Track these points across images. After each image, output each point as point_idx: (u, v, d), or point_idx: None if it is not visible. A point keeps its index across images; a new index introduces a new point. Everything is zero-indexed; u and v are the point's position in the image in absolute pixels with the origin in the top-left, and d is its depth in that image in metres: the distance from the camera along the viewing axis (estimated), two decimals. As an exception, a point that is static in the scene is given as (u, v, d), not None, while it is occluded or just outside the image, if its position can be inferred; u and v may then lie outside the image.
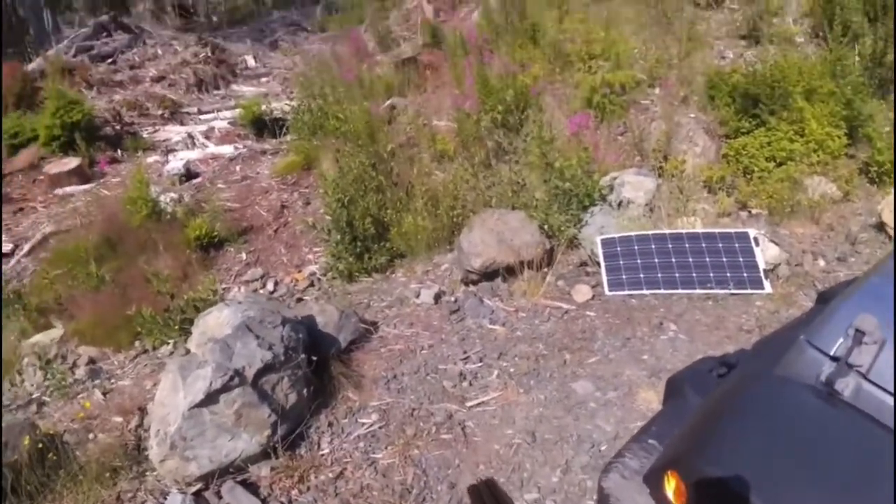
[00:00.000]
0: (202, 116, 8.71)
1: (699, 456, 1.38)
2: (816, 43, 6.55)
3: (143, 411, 3.62)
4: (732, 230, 4.66)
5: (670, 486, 1.42)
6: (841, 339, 1.39)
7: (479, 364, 3.68)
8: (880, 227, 4.83)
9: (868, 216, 5.06)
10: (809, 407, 1.36)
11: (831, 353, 1.39)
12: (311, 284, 5.16)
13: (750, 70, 5.86)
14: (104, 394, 3.93)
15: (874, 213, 4.99)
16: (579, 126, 5.42)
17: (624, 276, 4.44)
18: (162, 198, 6.06)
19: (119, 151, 7.68)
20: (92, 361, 4.47)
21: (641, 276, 4.44)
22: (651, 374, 3.49)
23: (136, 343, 4.54)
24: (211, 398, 3.08)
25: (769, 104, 5.44)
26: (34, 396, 4.02)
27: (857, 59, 5.90)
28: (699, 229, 4.75)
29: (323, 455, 3.17)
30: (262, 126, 7.72)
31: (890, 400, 1.29)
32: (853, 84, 5.49)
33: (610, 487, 1.68)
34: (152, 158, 7.37)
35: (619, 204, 5.09)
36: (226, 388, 3.10)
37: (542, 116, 5.61)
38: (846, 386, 1.34)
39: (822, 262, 4.60)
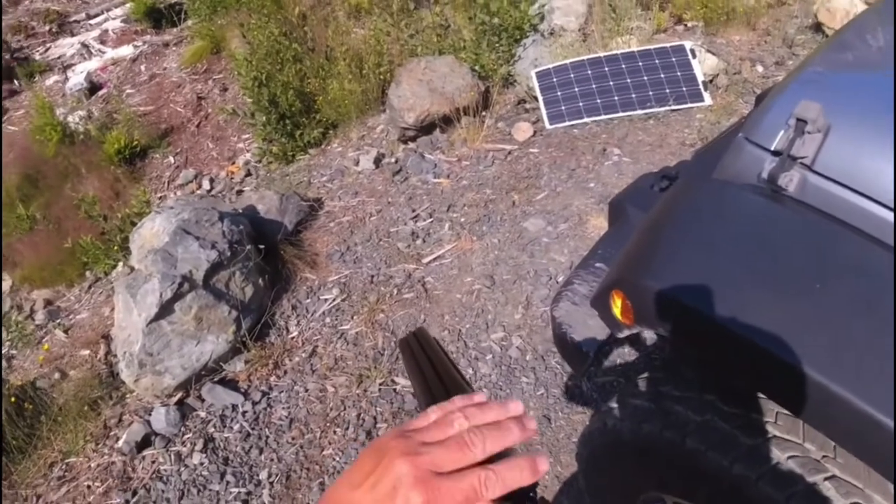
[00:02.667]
0: (92, 21, 7.88)
1: (642, 271, 1.36)
2: None
3: (107, 339, 3.55)
4: (668, 45, 4.50)
5: (616, 305, 1.41)
6: (781, 132, 1.30)
7: (430, 220, 3.64)
8: (817, 27, 4.74)
9: (804, 18, 4.95)
10: (752, 206, 1.30)
11: (772, 148, 1.31)
12: (249, 174, 4.95)
13: None
14: (66, 331, 3.83)
15: (810, 14, 4.88)
16: (498, -49, 4.99)
17: (563, 108, 4.32)
18: (70, 119, 5.62)
19: (15, 81, 6.97)
20: (48, 303, 4.33)
21: (581, 104, 4.33)
22: (599, 200, 3.50)
23: (87, 274, 4.39)
24: (165, 309, 3.01)
25: None
26: None
27: None
28: (635, 48, 4.58)
29: (293, 338, 3.18)
30: (159, 16, 7.03)
31: (840, 190, 1.22)
32: None
33: (561, 315, 1.69)
34: (51, 80, 6.74)
35: (551, 33, 4.85)
36: (178, 296, 3.02)
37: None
38: (790, 180, 1.26)
39: (760, 68, 4.54)
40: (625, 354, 2.49)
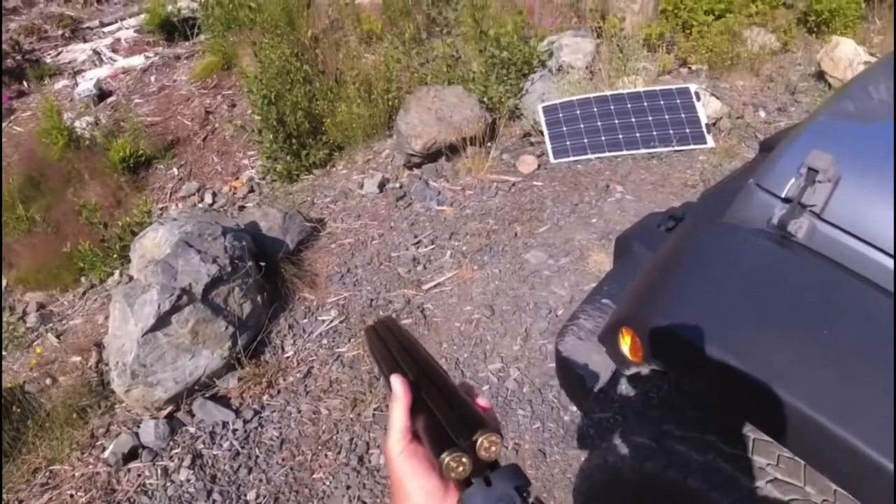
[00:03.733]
0: (105, 29, 7.95)
1: (652, 309, 1.37)
2: None
3: (99, 347, 3.52)
4: (673, 87, 4.59)
5: (625, 342, 1.42)
6: (792, 180, 1.33)
7: (432, 247, 3.66)
8: (819, 75, 4.85)
9: (807, 66, 5.07)
10: (761, 251, 1.32)
11: (782, 195, 1.34)
12: (252, 190, 4.95)
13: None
14: (58, 336, 3.79)
15: (813, 63, 5.00)
16: (510, -12, 5.11)
17: (568, 143, 4.38)
18: (77, 124, 5.63)
19: (25, 83, 7.00)
20: (41, 307, 4.28)
21: (585, 140, 4.38)
22: (601, 236, 3.52)
23: (82, 279, 4.36)
24: (162, 321, 2.99)
25: (707, -47, 5.22)
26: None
27: None
28: (640, 88, 4.66)
29: (288, 357, 3.16)
30: (172, 29, 7.09)
31: (847, 238, 1.25)
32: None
33: (566, 349, 1.69)
34: (60, 84, 6.77)
35: (559, 69, 4.93)
36: (175, 309, 3.00)
37: (471, -18, 5.27)
38: (800, 227, 1.29)
39: (762, 114, 4.62)
40: (627, 392, 2.48)
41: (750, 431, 1.32)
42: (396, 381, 0.61)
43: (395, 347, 0.72)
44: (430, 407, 0.59)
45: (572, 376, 1.66)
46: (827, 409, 1.06)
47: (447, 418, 0.57)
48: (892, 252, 1.21)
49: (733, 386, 1.21)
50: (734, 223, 1.48)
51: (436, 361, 0.68)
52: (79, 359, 3.46)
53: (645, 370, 1.56)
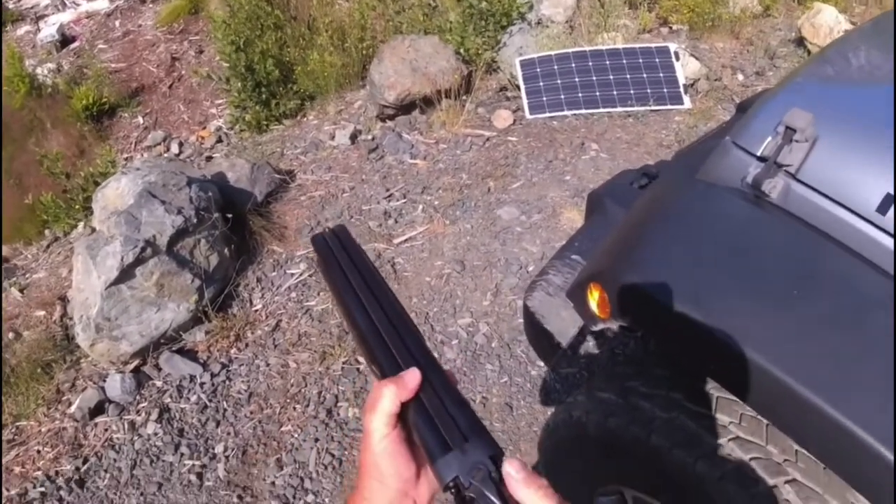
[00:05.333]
0: (69, -29, 7.52)
1: (621, 266, 1.35)
2: None
3: (63, 300, 3.43)
4: (653, 45, 4.52)
5: (594, 298, 1.41)
6: (769, 138, 1.30)
7: (403, 200, 3.60)
8: (799, 41, 4.82)
9: (788, 31, 5.03)
10: (735, 209, 1.31)
11: (758, 154, 1.32)
12: (220, 140, 4.82)
13: None
14: (21, 290, 3.68)
15: (794, 28, 4.97)
16: (490, -66, 4.93)
17: (544, 99, 4.31)
18: (39, 70, 5.40)
19: (-15, 29, 6.64)
20: (5, 260, 4.15)
21: (562, 97, 4.32)
22: (574, 194, 3.51)
23: (46, 232, 4.22)
24: (126, 273, 2.91)
25: None
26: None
27: None
28: (620, 45, 4.59)
29: (256, 311, 3.12)
30: (137, -30, 6.74)
31: (821, 200, 1.23)
32: None
33: (534, 305, 1.69)
34: (22, 30, 6.43)
35: (538, 22, 4.83)
36: (139, 261, 2.92)
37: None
38: (774, 187, 1.27)
39: (740, 77, 4.60)
40: (594, 348, 2.50)
41: (714, 390, 1.33)
42: (412, 374, 0.57)
43: (354, 278, 0.67)
44: (422, 398, 0.57)
45: (540, 332, 1.65)
46: (793, 370, 1.06)
47: (442, 420, 0.55)
48: (871, 218, 1.20)
49: (700, 344, 1.21)
50: (708, 181, 1.46)
51: (396, 298, 0.65)
52: (43, 313, 3.37)
53: (612, 327, 1.56)
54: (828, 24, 4.66)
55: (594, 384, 1.58)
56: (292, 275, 3.24)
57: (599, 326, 1.46)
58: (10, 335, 3.21)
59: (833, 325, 1.12)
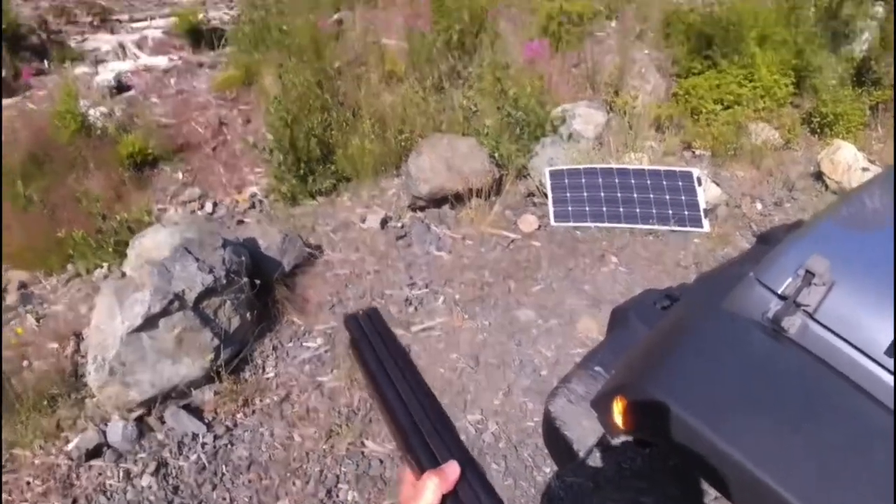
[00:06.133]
0: (134, 24, 8.05)
1: (648, 382, 1.42)
2: (775, -11, 6.55)
3: (78, 337, 3.47)
4: (677, 169, 4.74)
5: (618, 409, 1.46)
6: (790, 279, 1.42)
7: (426, 290, 3.69)
8: (818, 176, 5.02)
9: (807, 164, 5.25)
10: (755, 342, 1.40)
11: (779, 292, 1.43)
12: (253, 206, 4.98)
13: (707, 10, 5.85)
14: (37, 319, 3.74)
15: (813, 162, 5.18)
16: (535, 54, 5.31)
17: (570, 208, 4.48)
18: (91, 112, 5.64)
19: (45, 62, 7.05)
20: (23, 286, 4.22)
21: (587, 208, 4.49)
22: (591, 303, 3.59)
23: (69, 266, 4.31)
24: (150, 322, 2.97)
25: (722, 47, 5.47)
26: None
27: (812, 10, 5.96)
28: (645, 166, 4.82)
29: (268, 378, 3.15)
30: (199, 37, 7.21)
31: (835, 340, 1.33)
32: (806, 34, 5.57)
33: (556, 411, 1.73)
34: (81, 70, 6.80)
35: (570, 136, 5.08)
36: (165, 312, 3.00)
37: (498, 42, 5.46)
38: (792, 324, 1.37)
39: (759, 206, 4.77)
40: (600, 460, 2.50)
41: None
42: (453, 467, 0.61)
43: (388, 363, 0.71)
44: (458, 493, 0.60)
45: (559, 437, 1.69)
46: (807, 498, 1.12)
47: None
48: (875, 358, 1.30)
49: (719, 466, 1.26)
50: (732, 311, 1.55)
51: (428, 387, 0.68)
52: (56, 345, 3.41)
53: (617, 441, 1.60)
54: (846, 160, 4.82)
55: (605, 495, 1.61)
56: (308, 348, 3.29)
57: (620, 438, 1.50)
58: (24, 362, 3.24)
59: (839, 453, 1.19)
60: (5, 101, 6.26)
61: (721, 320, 1.53)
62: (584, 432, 1.65)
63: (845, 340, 1.36)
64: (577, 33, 5.92)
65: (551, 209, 4.46)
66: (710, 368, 1.41)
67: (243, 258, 3.39)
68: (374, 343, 0.71)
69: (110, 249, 4.08)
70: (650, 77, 5.70)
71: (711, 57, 5.52)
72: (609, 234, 4.32)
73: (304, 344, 3.32)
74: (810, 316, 1.41)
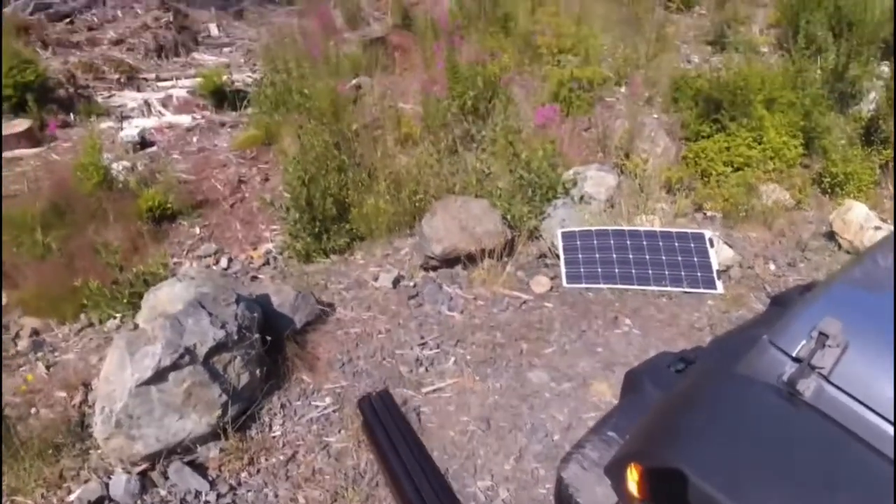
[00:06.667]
0: (160, 83, 8.36)
1: (663, 449, 1.39)
2: (781, 54, 6.73)
3: (87, 387, 3.48)
4: (689, 230, 4.76)
5: (632, 477, 1.43)
6: (804, 342, 1.41)
7: (437, 350, 3.67)
8: (830, 235, 5.01)
9: (819, 225, 5.24)
10: (771, 406, 1.38)
11: (794, 355, 1.42)
12: (267, 263, 5.04)
13: (714, 75, 5.97)
14: (47, 367, 3.76)
15: (825, 222, 5.17)
16: (546, 119, 5.43)
17: (582, 270, 4.48)
18: (114, 166, 5.81)
19: (72, 115, 7.31)
20: (35, 333, 4.26)
21: (599, 270, 4.49)
22: (605, 366, 3.54)
23: (82, 316, 4.35)
24: (160, 376, 2.97)
25: (730, 110, 5.56)
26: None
27: (818, 72, 6.08)
28: (657, 228, 4.84)
29: (274, 437, 3.11)
30: (223, 97, 7.46)
31: (851, 403, 1.31)
32: (813, 96, 5.66)
33: (569, 477, 1.69)
34: (106, 124, 7.06)
35: (581, 198, 5.14)
36: (176, 366, 3.00)
37: (511, 107, 5.60)
38: (807, 387, 1.36)
39: (772, 267, 4.75)
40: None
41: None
42: None
43: (400, 445, 0.71)
44: None
45: (572, 505, 1.64)
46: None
47: None
48: (891, 419, 1.28)
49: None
50: (746, 375, 1.54)
51: (439, 470, 0.68)
52: (64, 394, 3.41)
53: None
54: (858, 220, 4.80)
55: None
56: (316, 407, 3.25)
57: (635, 508, 1.46)
58: (31, 409, 3.23)
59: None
60: (30, 151, 6.47)
61: (736, 385, 1.51)
62: (597, 500, 1.61)
63: (861, 402, 1.34)
64: (587, 99, 6.06)
65: (563, 270, 4.47)
66: (726, 435, 1.38)
67: (256, 314, 3.40)
68: (387, 425, 0.72)
69: (125, 301, 4.12)
70: (660, 140, 5.79)
71: (720, 120, 5.60)
72: (622, 295, 4.31)
73: (313, 403, 3.28)
74: (825, 378, 1.40)
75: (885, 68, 6.36)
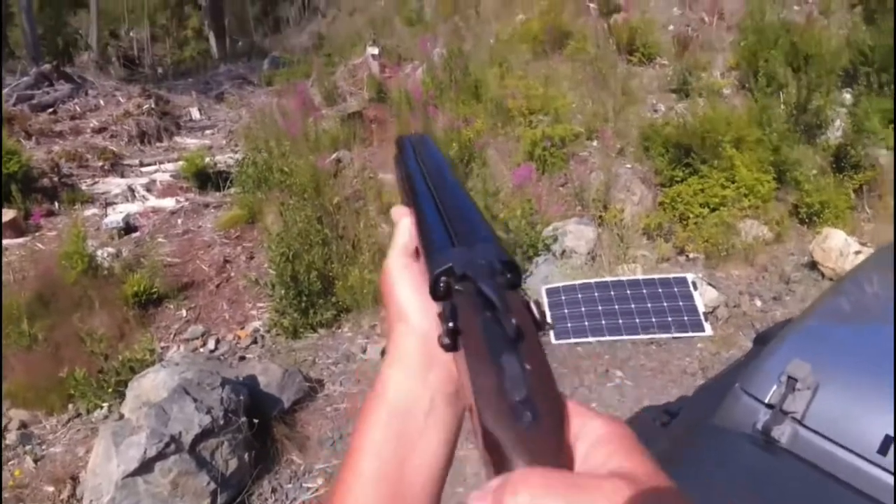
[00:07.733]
0: (144, 169, 8.51)
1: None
2: (743, 94, 6.95)
3: (75, 480, 3.41)
4: (671, 275, 4.81)
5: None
6: (774, 387, 1.42)
7: (428, 419, 3.62)
8: (812, 265, 5.05)
9: (800, 256, 5.29)
10: (748, 456, 1.38)
11: (766, 401, 1.42)
12: (255, 341, 5.01)
13: (681, 122, 6.16)
14: (35, 461, 3.68)
15: (806, 253, 5.22)
16: (523, 178, 5.56)
17: (569, 325, 4.49)
18: (99, 253, 5.84)
19: (56, 204, 7.38)
20: (23, 425, 4.19)
21: (586, 323, 4.50)
22: (599, 422, 3.50)
23: (70, 406, 4.30)
24: (145, 467, 2.92)
25: (700, 153, 5.71)
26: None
27: (782, 107, 6.27)
28: (640, 276, 4.89)
29: (266, 523, 3.03)
30: (206, 179, 7.59)
31: (827, 444, 1.32)
32: (779, 131, 5.81)
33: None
34: (90, 211, 7.13)
35: (563, 253, 5.20)
36: (161, 456, 2.95)
37: (486, 170, 5.73)
38: (782, 433, 1.36)
39: (758, 303, 4.77)
40: None
41: None
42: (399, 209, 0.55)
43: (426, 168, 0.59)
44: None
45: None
46: None
47: (452, 216, 0.48)
48: (874, 459, 1.28)
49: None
50: (722, 427, 1.54)
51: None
52: (52, 489, 3.33)
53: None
54: (837, 247, 4.84)
55: None
56: (308, 489, 3.19)
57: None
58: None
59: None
60: (16, 241, 6.50)
61: (713, 438, 1.51)
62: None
63: (836, 443, 1.34)
64: (560, 155, 6.21)
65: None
66: (705, 490, 1.37)
67: (242, 397, 3.37)
68: (419, 154, 0.62)
69: (111, 390, 4.07)
70: (636, 189, 5.91)
71: (692, 164, 5.73)
72: (611, 347, 4.30)
73: (304, 484, 3.21)
74: (799, 422, 1.40)
75: (847, 95, 6.56)
